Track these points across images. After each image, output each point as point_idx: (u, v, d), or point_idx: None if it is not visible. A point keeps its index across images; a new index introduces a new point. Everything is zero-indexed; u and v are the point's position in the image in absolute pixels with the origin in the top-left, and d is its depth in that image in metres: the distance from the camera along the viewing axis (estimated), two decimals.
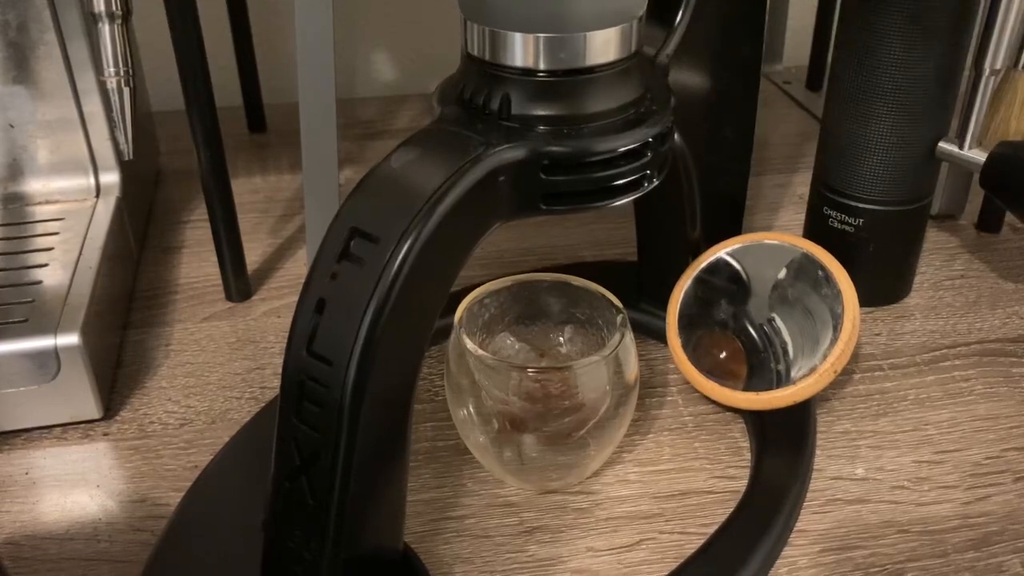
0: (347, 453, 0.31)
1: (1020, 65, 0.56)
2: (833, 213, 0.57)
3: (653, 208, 0.49)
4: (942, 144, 0.54)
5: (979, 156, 0.54)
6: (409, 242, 0.31)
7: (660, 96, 0.39)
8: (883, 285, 0.58)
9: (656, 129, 0.37)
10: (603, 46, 0.35)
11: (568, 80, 0.35)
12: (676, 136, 0.41)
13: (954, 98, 0.54)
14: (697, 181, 0.47)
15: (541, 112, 0.35)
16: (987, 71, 0.53)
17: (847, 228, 0.56)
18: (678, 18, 0.45)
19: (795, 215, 0.69)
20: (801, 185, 0.72)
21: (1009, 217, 0.67)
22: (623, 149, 0.36)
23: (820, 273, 0.48)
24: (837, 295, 0.47)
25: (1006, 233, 0.67)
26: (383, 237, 0.31)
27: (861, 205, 0.55)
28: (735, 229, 0.57)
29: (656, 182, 0.38)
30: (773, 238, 0.50)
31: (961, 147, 0.54)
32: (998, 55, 0.53)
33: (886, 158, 0.53)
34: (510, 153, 0.34)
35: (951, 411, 0.50)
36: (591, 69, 0.35)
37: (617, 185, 0.36)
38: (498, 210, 0.35)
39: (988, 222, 0.67)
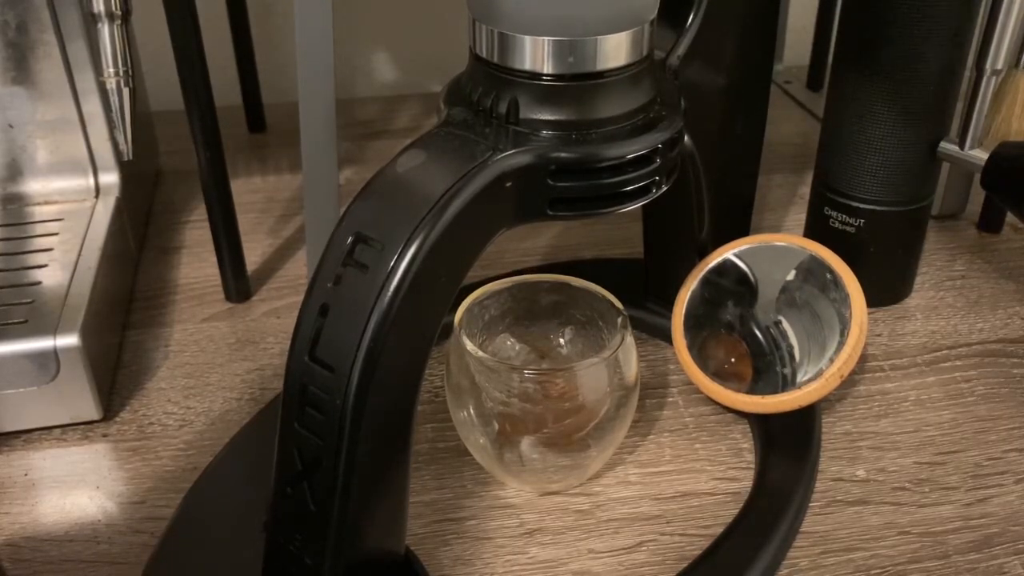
0: (349, 459, 0.31)
1: (1021, 65, 0.56)
2: (834, 213, 0.56)
3: (662, 208, 0.48)
4: (943, 144, 0.54)
5: (980, 156, 0.54)
6: (413, 248, 0.31)
7: (671, 100, 0.38)
8: (884, 285, 0.58)
9: (666, 135, 0.36)
10: (613, 50, 0.35)
11: (577, 85, 0.35)
12: (686, 138, 0.40)
13: (955, 98, 0.54)
14: (706, 182, 0.47)
15: (549, 116, 0.35)
16: (988, 71, 0.53)
17: (848, 228, 0.56)
18: (689, 20, 0.44)
19: (796, 215, 0.69)
20: (802, 185, 0.72)
21: (1010, 217, 0.67)
22: (632, 155, 0.35)
23: (828, 276, 0.48)
24: (845, 299, 0.46)
25: (1007, 233, 0.67)
26: (387, 243, 0.31)
27: (862, 205, 0.55)
28: (743, 229, 0.57)
29: (665, 188, 0.38)
30: (781, 240, 0.49)
31: (962, 147, 0.54)
32: (999, 55, 0.52)
33: (887, 158, 0.53)
34: (517, 158, 0.33)
35: (952, 412, 0.50)
36: (601, 74, 0.35)
37: (626, 191, 0.36)
38: (504, 216, 0.34)
39: (989, 222, 0.67)
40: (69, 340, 0.47)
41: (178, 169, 0.75)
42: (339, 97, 0.54)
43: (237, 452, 0.46)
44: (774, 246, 0.49)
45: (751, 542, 0.41)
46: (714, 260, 0.50)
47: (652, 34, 0.37)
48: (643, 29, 0.36)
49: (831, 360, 0.46)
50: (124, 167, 0.60)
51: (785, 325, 0.48)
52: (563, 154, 0.34)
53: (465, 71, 0.38)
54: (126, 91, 0.49)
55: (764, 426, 0.47)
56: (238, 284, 0.59)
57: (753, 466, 0.47)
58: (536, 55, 0.34)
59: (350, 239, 0.32)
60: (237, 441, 0.47)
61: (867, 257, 0.56)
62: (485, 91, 0.35)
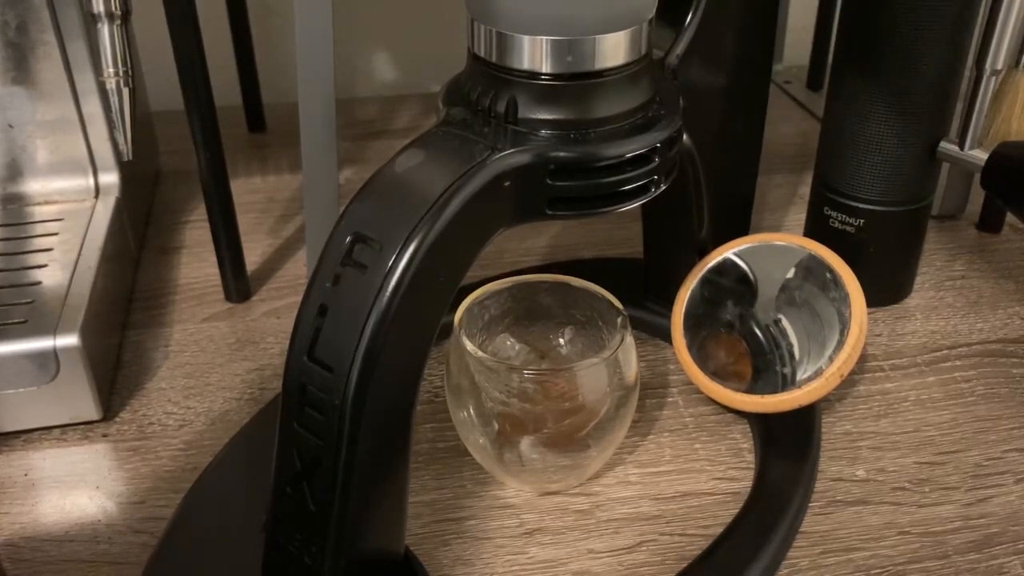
0: (348, 460, 0.31)
1: (1021, 65, 0.56)
2: (834, 213, 0.56)
3: (661, 207, 0.49)
4: (943, 144, 0.54)
5: (980, 156, 0.54)
6: (412, 248, 0.31)
7: (669, 99, 0.38)
8: (884, 285, 0.58)
9: (664, 134, 0.36)
10: (612, 50, 0.35)
11: (576, 84, 0.35)
12: (685, 137, 0.40)
13: (955, 98, 0.54)
14: (706, 182, 0.47)
15: (548, 116, 0.35)
16: (988, 71, 0.53)
17: (848, 228, 0.56)
18: (688, 19, 0.44)
19: (796, 215, 0.69)
20: (802, 185, 0.72)
21: (1010, 217, 0.67)
22: (631, 154, 0.35)
23: (828, 275, 0.47)
24: (845, 298, 0.46)
25: (1007, 233, 0.67)
26: (386, 243, 0.31)
27: (862, 205, 0.55)
28: (743, 229, 0.57)
29: (664, 187, 0.38)
30: (781, 239, 0.49)
31: (962, 147, 0.54)
32: (999, 55, 0.52)
33: (886, 158, 0.53)
34: (516, 158, 0.33)
35: (952, 412, 0.50)
36: (599, 73, 0.35)
37: (624, 191, 0.36)
38: (503, 215, 0.34)
39: (989, 222, 0.67)
40: (69, 340, 0.47)
41: (178, 169, 0.75)
42: (339, 97, 0.54)
43: (237, 452, 0.46)
44: (774, 245, 0.49)
45: (751, 542, 0.41)
46: (714, 259, 0.50)
47: (651, 33, 0.37)
48: (641, 28, 0.36)
49: (831, 359, 0.46)
50: (124, 167, 0.60)
51: (785, 324, 0.48)
52: (562, 153, 0.34)
53: (464, 71, 0.38)
54: (126, 91, 0.49)
55: (764, 426, 0.47)
56: (238, 284, 0.59)
57: (753, 466, 0.47)
58: (534, 54, 0.34)
59: (349, 239, 0.32)
60: (237, 441, 0.47)
61: (867, 257, 0.56)
62: (484, 91, 0.35)
